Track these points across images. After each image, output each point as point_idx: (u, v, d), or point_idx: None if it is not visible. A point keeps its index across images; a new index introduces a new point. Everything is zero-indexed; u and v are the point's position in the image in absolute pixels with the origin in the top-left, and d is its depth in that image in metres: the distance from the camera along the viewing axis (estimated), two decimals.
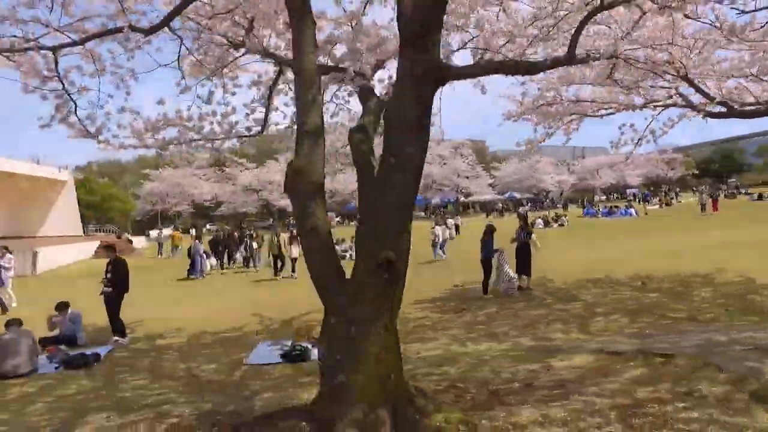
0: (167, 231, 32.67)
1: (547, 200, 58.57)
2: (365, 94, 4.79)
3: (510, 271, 9.69)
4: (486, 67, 3.73)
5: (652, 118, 8.99)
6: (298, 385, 5.21)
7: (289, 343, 7.06)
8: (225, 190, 51.84)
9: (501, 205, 52.05)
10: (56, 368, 6.85)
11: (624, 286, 9.89)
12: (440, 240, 18.11)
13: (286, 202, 52.49)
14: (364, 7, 5.29)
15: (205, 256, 17.17)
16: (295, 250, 14.41)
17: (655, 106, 8.83)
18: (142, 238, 37.17)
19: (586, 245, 18.54)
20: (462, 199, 60.00)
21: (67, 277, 20.85)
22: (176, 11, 4.26)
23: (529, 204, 53.24)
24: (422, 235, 19.01)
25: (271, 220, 52.40)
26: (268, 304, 10.51)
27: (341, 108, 7.19)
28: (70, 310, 8.49)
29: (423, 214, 62.23)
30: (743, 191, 44.11)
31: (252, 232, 19.77)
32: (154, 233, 45.77)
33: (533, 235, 10.74)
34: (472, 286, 10.83)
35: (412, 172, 3.18)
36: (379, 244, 3.05)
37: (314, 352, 6.44)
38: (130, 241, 32.18)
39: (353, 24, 5.37)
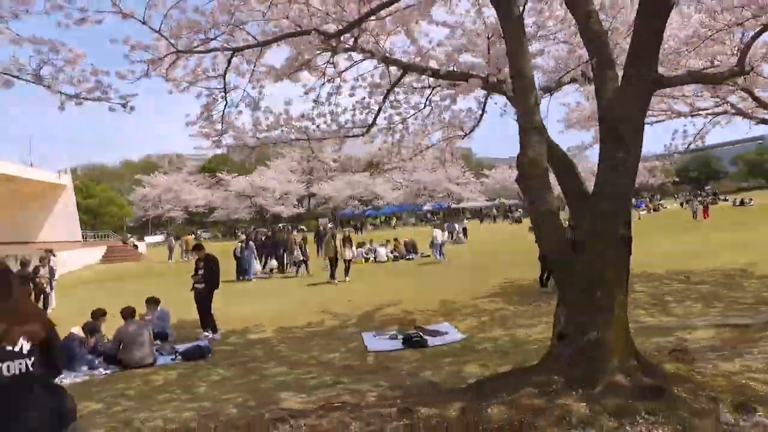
0: (154, 238, 32.35)
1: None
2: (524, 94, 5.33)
3: None
4: (688, 78, 4.34)
5: (703, 126, 9.84)
6: (449, 363, 5.69)
7: (392, 332, 7.51)
8: (217, 196, 51.59)
9: (495, 210, 53.14)
10: (173, 359, 7.11)
11: (669, 280, 10.61)
12: (438, 242, 19.05)
13: (280, 209, 52.69)
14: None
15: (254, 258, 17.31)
16: (349, 252, 14.57)
17: (707, 114, 9.66)
18: (142, 244, 36.73)
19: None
20: (453, 205, 61.06)
21: (84, 281, 20.76)
22: (370, 14, 4.74)
23: (520, 211, 54.45)
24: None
25: (286, 226, 52.13)
26: (331, 304, 10.86)
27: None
28: (159, 308, 8.71)
29: (412, 220, 63.33)
30: (722, 197, 46.27)
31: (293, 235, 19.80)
32: (150, 239, 45.32)
33: None
34: (518, 283, 11.57)
35: (635, 165, 3.75)
36: (616, 223, 3.60)
37: (431, 339, 6.93)
38: (136, 246, 31.93)
39: (490, 36, 5.92)
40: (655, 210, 40.59)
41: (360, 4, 5.26)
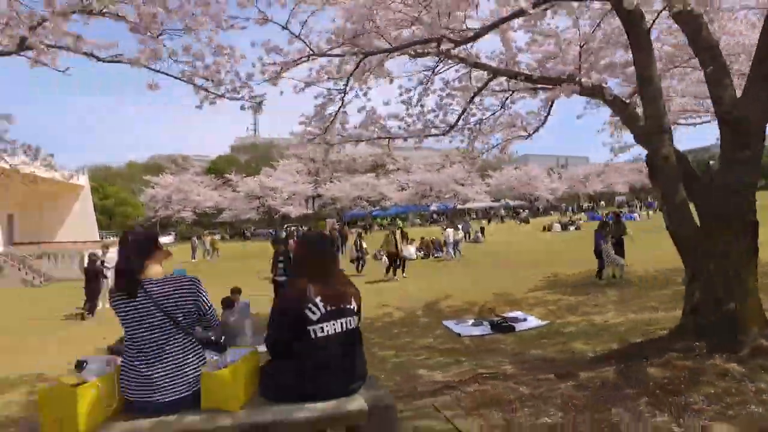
0: (164, 239, 32.70)
1: (534, 207, 60.85)
2: (617, 102, 5.88)
3: (617, 257, 10.90)
4: None
5: None
6: (549, 344, 6.23)
7: (474, 320, 8.04)
8: (226, 197, 51.95)
9: (503, 211, 53.85)
10: None
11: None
12: (451, 240, 20.27)
13: (288, 209, 53.14)
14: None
15: None
16: (407, 250, 14.96)
17: None
18: None
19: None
20: (459, 206, 61.70)
21: None
22: (502, 21, 5.27)
23: (527, 211, 55.21)
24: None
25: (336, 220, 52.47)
26: (388, 298, 11.36)
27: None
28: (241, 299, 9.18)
29: (418, 221, 63.98)
30: None
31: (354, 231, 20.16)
32: (162, 239, 45.52)
33: (627, 229, 12.07)
34: (561, 278, 12.17)
35: (759, 159, 4.31)
36: (745, 211, 4.16)
37: (516, 325, 7.46)
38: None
39: (582, 44, 6.46)
40: (661, 210, 41.29)
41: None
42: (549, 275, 12.90)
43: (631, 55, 5.25)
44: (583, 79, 6.24)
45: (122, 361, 2.33)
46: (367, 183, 56.97)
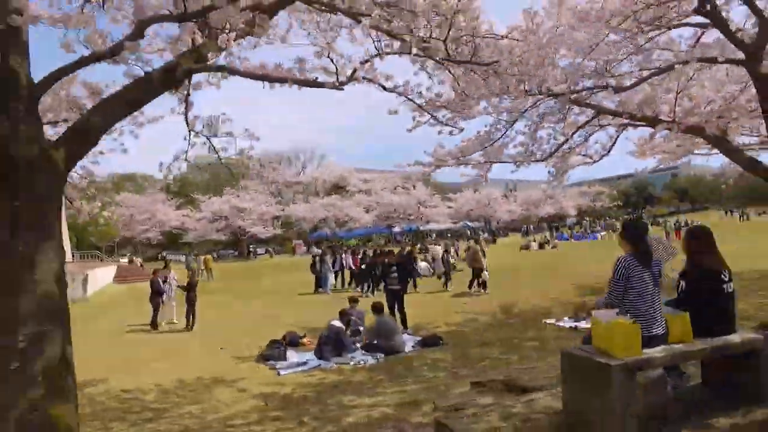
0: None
1: (492, 229, 64.13)
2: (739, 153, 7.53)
3: None
4: None
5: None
6: None
7: (574, 318, 9.37)
8: (190, 217, 50.76)
9: (469, 232, 56.31)
10: (413, 347, 8.42)
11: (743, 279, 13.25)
12: (440, 257, 19.52)
13: (257, 229, 52.68)
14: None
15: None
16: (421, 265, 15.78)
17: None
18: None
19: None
20: (422, 227, 63.74)
21: (122, 301, 20.70)
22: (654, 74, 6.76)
23: (486, 233, 58.16)
24: None
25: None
26: (467, 307, 12.41)
27: None
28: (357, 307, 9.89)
29: (382, 242, 65.26)
30: (659, 220, 52.28)
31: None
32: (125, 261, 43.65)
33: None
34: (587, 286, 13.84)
35: None
36: None
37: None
38: (142, 266, 31.20)
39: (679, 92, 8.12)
40: (615, 230, 45.18)
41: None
42: (574, 283, 14.51)
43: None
44: (709, 130, 7.76)
45: (632, 309, 3.39)
46: (333, 204, 57.76)
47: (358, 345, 8.27)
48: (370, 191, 64.79)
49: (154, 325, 12.40)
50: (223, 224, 50.87)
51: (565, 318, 9.50)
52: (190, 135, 5.93)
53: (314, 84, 4.64)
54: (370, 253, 16.38)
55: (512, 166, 9.48)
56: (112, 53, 3.53)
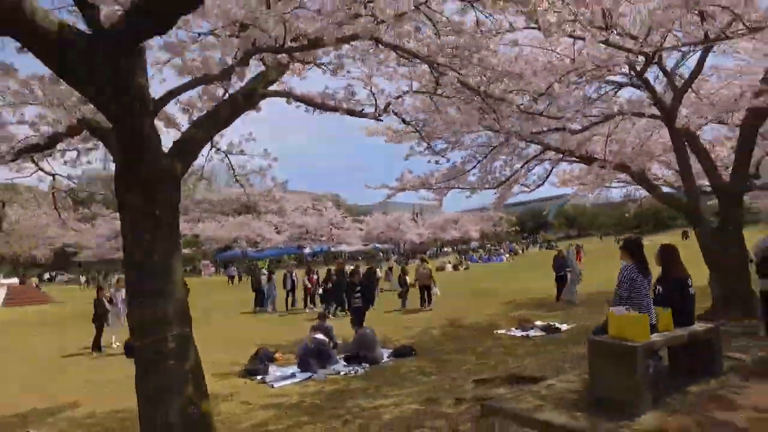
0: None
1: (399, 251, 66.55)
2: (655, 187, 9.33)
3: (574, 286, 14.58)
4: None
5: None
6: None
7: (522, 328, 10.64)
8: (91, 234, 46.37)
9: (381, 254, 57.68)
10: (388, 358, 9.01)
11: None
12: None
13: None
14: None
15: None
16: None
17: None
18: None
19: (531, 275, 24.76)
20: (333, 249, 64.12)
21: (27, 326, 18.74)
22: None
23: (396, 255, 60.16)
24: None
25: None
26: (428, 321, 13.28)
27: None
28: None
29: (295, 263, 64.49)
30: (553, 244, 57.99)
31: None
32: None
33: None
34: (521, 300, 15.53)
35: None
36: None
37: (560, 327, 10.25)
38: (38, 287, 27.85)
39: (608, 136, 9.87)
40: (517, 253, 49.30)
41: None
42: (501, 300, 16.10)
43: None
44: (633, 167, 9.50)
45: (635, 306, 4.43)
46: (245, 224, 56.27)
47: (340, 357, 8.73)
48: (280, 211, 64.00)
49: (96, 347, 11.61)
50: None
51: (513, 329, 10.74)
52: (210, 151, 6.25)
53: (359, 114, 5.32)
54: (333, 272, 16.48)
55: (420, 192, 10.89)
56: (222, 76, 3.97)
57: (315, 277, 17.86)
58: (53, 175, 6.37)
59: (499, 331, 10.68)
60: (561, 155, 10.39)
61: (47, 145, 4.92)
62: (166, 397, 3.19)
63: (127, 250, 3.55)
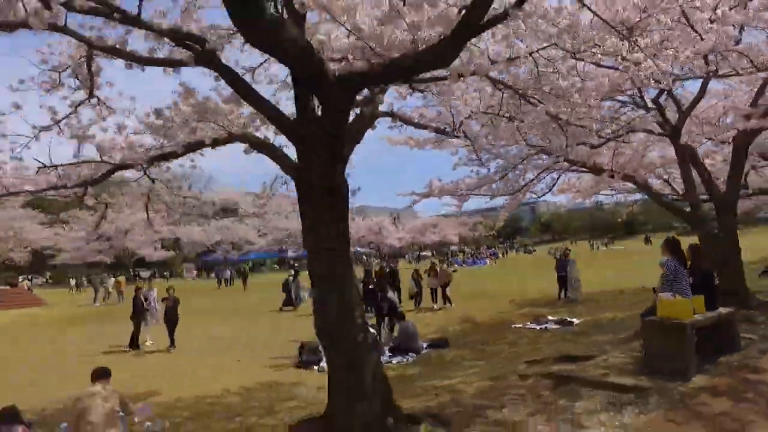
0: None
1: (381, 255, 67.55)
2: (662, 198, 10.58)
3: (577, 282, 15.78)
4: None
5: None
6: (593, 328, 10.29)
7: (537, 322, 11.72)
8: (63, 236, 45.54)
9: (365, 257, 58.39)
10: (426, 349, 9.93)
11: (627, 294, 16.83)
12: None
13: (147, 251, 49.04)
14: None
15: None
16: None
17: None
18: None
19: (520, 277, 26.04)
20: None
21: (34, 327, 18.76)
22: None
23: (378, 259, 61.09)
24: None
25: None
26: (452, 320, 14.25)
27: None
28: None
29: (277, 266, 64.61)
30: (532, 249, 60.09)
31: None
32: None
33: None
34: (520, 302, 16.71)
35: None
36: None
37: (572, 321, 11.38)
38: (30, 289, 27.44)
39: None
40: (499, 256, 50.91)
41: None
42: (510, 300, 17.22)
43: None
44: (638, 178, 10.67)
45: (678, 292, 5.50)
46: (227, 227, 56.22)
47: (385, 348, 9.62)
48: (261, 215, 64.02)
49: (134, 345, 12.08)
50: (107, 245, 46.51)
51: (528, 323, 11.82)
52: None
53: (443, 132, 6.25)
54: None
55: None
56: (364, 102, 4.84)
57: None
58: (153, 180, 7.03)
59: (516, 325, 11.74)
60: (571, 166, 11.56)
61: (182, 153, 5.62)
62: (357, 364, 4.01)
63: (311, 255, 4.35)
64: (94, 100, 5.69)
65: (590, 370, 5.63)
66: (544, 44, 4.46)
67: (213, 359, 10.43)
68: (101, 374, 5.62)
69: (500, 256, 52.28)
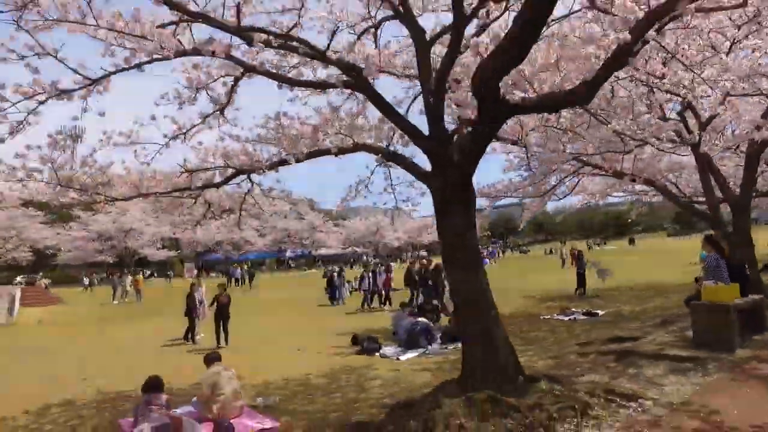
0: None
1: (380, 254, 68.55)
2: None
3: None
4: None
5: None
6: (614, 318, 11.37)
7: (560, 314, 12.76)
8: (71, 237, 45.75)
9: (365, 258, 59.23)
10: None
11: (636, 290, 18.02)
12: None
13: (150, 251, 49.35)
14: None
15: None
16: None
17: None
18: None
19: (525, 275, 27.19)
20: (314, 252, 65.42)
21: (63, 323, 19.37)
22: None
23: (376, 259, 62.06)
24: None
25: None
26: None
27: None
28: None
29: (275, 266, 65.22)
30: (526, 249, 61.51)
31: None
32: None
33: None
34: (538, 297, 17.78)
35: None
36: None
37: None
38: (47, 288, 27.82)
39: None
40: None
41: None
42: (525, 296, 18.28)
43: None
44: (657, 182, 11.74)
45: (720, 280, 6.54)
46: (226, 227, 56.61)
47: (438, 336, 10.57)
48: (259, 215, 64.41)
49: (191, 338, 12.74)
50: (108, 244, 46.77)
51: (555, 314, 12.85)
52: None
53: (514, 142, 7.20)
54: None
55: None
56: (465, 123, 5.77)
57: (391, 276, 18.58)
58: (252, 183, 7.88)
59: (545, 317, 12.76)
60: (593, 169, 12.61)
61: (302, 160, 6.47)
62: (490, 332, 4.94)
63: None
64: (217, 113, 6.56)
65: (644, 346, 6.64)
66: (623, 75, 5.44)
67: (271, 350, 11.25)
68: (215, 358, 6.56)
69: (499, 256, 53.53)
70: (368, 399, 6.71)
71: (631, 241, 50.16)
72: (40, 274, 43.72)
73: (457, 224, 5.11)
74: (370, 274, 18.40)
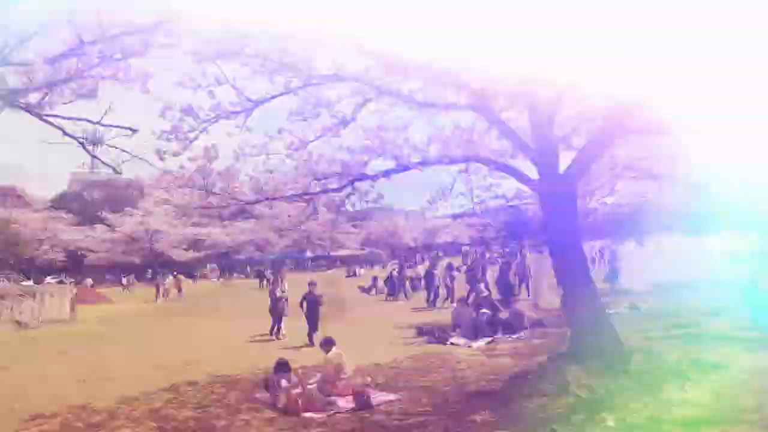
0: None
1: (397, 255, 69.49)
2: None
3: None
4: None
5: None
6: None
7: None
8: (102, 238, 47.07)
9: (384, 257, 60.21)
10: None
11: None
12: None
13: (178, 252, 50.59)
14: None
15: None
16: None
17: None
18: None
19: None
20: (332, 253, 66.55)
21: (119, 320, 20.29)
22: None
23: (396, 258, 63.05)
24: None
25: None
26: None
27: None
28: None
29: (293, 267, 66.21)
30: (542, 250, 61.98)
31: None
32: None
33: None
34: None
35: None
36: None
37: None
38: (93, 286, 29.08)
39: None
40: None
41: None
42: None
43: None
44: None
45: None
46: (251, 229, 57.84)
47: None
48: (277, 216, 65.55)
49: (277, 333, 12.97)
50: (137, 246, 48.07)
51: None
52: None
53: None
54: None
55: None
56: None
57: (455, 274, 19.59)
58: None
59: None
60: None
61: (402, 170, 7.44)
62: (595, 311, 5.89)
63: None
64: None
65: (710, 330, 7.54)
66: None
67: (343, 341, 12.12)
68: (330, 342, 7.58)
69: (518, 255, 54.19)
70: (466, 377, 7.62)
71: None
72: (63, 274, 44.96)
73: (561, 218, 6.10)
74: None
